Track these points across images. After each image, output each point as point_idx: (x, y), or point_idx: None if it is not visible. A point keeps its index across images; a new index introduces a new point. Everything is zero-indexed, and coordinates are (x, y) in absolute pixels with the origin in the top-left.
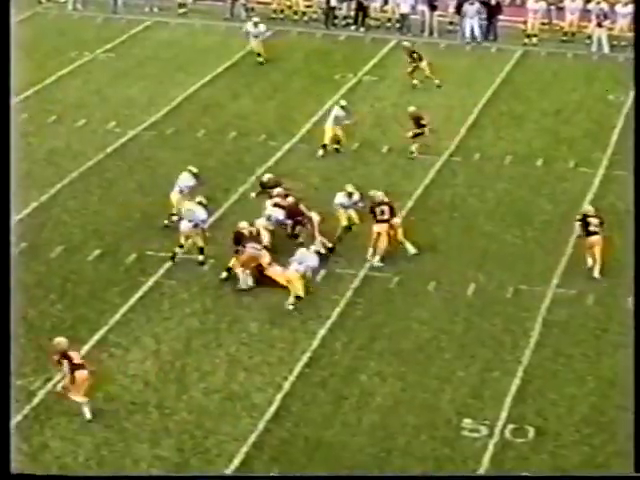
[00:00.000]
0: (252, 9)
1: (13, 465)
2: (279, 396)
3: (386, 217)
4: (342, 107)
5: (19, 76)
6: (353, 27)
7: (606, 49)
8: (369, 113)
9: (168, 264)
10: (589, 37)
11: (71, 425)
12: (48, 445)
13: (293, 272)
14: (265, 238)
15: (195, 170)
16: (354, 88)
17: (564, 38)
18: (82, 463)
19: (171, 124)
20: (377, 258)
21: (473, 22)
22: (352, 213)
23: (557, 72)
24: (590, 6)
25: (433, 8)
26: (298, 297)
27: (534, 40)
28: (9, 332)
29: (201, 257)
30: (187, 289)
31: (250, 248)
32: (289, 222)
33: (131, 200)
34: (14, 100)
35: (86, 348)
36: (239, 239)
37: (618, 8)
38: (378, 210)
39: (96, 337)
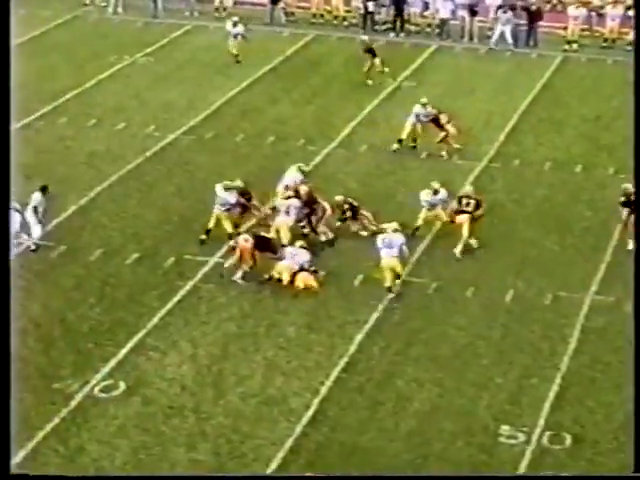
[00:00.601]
0: (292, 14)
1: (49, 467)
2: (316, 401)
3: (470, 209)
4: (423, 105)
5: (59, 79)
6: (392, 34)
7: None
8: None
9: (206, 268)
10: (630, 44)
11: (108, 428)
12: (85, 448)
13: (387, 259)
14: (285, 238)
15: (305, 168)
16: (393, 93)
17: (604, 44)
18: (119, 467)
19: (210, 128)
20: (459, 249)
21: (505, 29)
22: (440, 212)
23: (597, 78)
24: (631, 12)
25: (473, 14)
26: (389, 288)
27: (574, 46)
28: (9, 332)
29: (232, 243)
30: (225, 293)
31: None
32: (306, 211)
33: (170, 204)
34: (55, 103)
35: (124, 352)
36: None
37: None
38: (464, 201)
39: (134, 340)
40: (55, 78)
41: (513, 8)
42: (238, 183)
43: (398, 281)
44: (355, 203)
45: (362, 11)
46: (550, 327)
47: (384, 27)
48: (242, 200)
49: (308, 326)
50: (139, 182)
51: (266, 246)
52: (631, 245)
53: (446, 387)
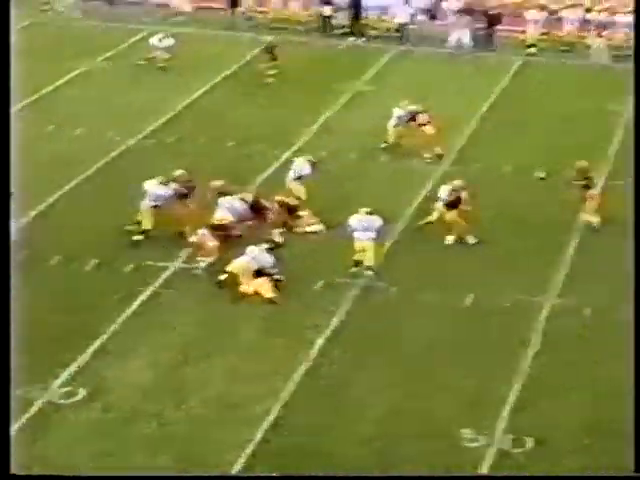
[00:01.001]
0: (252, 18)
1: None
2: (277, 406)
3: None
4: (402, 107)
5: (17, 85)
6: (352, 38)
7: (606, 60)
8: (368, 122)
9: (167, 273)
10: (588, 47)
11: (69, 435)
12: (45, 455)
13: (361, 242)
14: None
15: (314, 160)
16: (354, 98)
17: (563, 48)
18: (80, 473)
19: (171, 133)
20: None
21: (462, 33)
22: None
23: (556, 82)
24: (590, 16)
25: (432, 18)
26: (370, 267)
27: (533, 50)
28: (9, 332)
29: (139, 237)
30: (185, 298)
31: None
32: (250, 217)
33: (131, 209)
34: (13, 108)
35: (84, 357)
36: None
37: (618, 18)
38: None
39: (94, 346)
40: (14, 83)
41: (471, 12)
42: (179, 172)
43: (369, 272)
44: (292, 203)
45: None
46: (511, 330)
47: (341, 31)
48: (181, 190)
49: (268, 331)
50: (99, 187)
51: (222, 229)
52: (594, 220)
53: (407, 391)
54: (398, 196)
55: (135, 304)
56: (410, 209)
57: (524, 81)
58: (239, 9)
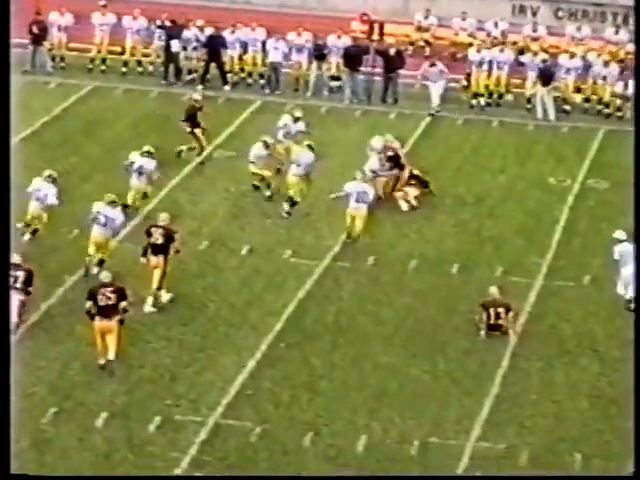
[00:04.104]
0: (62, 58)
1: None
2: None
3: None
4: (265, 143)
5: None
6: (200, 86)
7: (552, 115)
8: (223, 200)
9: None
10: (529, 100)
11: None
12: None
13: None
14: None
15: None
16: (203, 166)
17: (489, 100)
18: None
19: None
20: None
21: (438, 86)
22: None
23: (478, 146)
24: (525, 58)
25: (320, 58)
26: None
27: (482, 101)
28: (9, 332)
29: None
30: None
31: None
32: None
33: None
34: None
35: None
36: None
37: (562, 60)
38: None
39: None
40: None
41: (366, 52)
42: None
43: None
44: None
45: (163, 53)
46: None
47: (189, 76)
48: None
49: None
50: None
51: None
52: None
53: None
54: (263, 301)
55: None
56: (279, 321)
57: (434, 145)
58: (44, 45)
